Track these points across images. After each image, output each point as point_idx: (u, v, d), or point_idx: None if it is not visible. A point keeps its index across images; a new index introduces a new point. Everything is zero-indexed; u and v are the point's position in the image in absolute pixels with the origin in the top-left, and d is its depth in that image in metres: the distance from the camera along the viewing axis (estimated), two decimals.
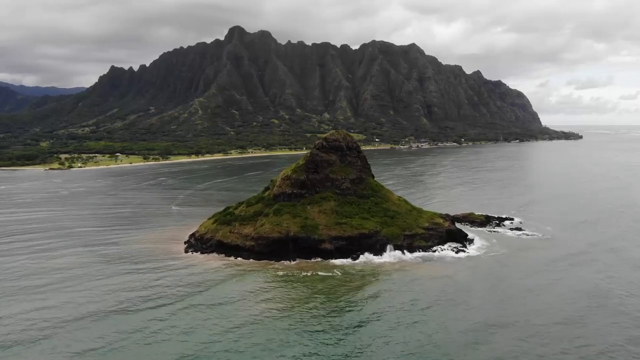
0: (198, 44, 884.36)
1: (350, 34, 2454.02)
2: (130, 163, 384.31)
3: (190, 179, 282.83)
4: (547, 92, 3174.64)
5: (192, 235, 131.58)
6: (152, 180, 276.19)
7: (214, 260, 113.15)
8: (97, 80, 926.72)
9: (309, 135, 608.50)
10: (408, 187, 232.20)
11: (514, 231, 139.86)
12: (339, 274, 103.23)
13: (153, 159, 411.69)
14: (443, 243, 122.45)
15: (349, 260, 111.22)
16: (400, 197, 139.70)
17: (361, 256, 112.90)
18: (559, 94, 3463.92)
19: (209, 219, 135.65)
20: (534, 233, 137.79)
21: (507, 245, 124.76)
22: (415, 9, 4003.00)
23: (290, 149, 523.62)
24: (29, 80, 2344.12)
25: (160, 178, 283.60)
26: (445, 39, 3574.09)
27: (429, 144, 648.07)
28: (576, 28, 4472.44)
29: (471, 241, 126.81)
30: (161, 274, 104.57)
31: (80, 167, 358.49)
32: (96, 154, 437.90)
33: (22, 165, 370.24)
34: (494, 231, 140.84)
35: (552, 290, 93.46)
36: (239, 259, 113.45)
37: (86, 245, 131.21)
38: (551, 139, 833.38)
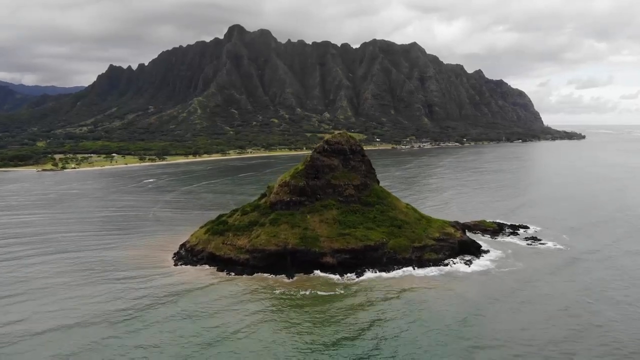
0: (197, 42, 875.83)
1: (350, 33, 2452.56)
2: (126, 164, 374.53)
3: (184, 180, 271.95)
4: (547, 92, 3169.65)
5: (183, 245, 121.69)
6: (145, 182, 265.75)
7: (204, 275, 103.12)
8: (96, 79, 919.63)
9: (309, 135, 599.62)
10: (406, 190, 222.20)
11: (528, 241, 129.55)
12: (341, 292, 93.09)
13: (149, 159, 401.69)
14: (455, 255, 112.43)
15: (353, 276, 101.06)
16: (407, 204, 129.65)
17: (366, 271, 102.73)
18: (559, 93, 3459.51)
19: (201, 227, 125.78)
20: (551, 243, 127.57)
21: (523, 257, 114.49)
22: (417, 7, 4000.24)
23: (290, 149, 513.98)
24: (28, 80, 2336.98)
25: (154, 180, 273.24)
26: (447, 38, 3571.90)
27: (430, 144, 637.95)
28: (578, 27, 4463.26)
29: (485, 252, 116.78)
30: (141, 287, 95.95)
31: (74, 168, 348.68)
32: (92, 154, 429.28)
33: (15, 166, 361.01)
34: (508, 241, 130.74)
35: (571, 313, 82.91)
36: (232, 273, 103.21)
37: (65, 252, 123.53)
38: (554, 139, 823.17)
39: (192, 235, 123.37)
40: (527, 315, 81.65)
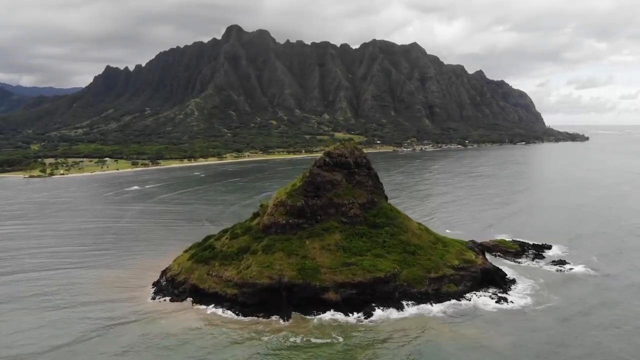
0: (195, 43, 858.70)
1: (350, 33, 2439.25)
2: (117, 169, 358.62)
3: (169, 188, 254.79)
4: (546, 92, 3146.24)
5: (164, 273, 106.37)
6: (127, 189, 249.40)
7: (182, 314, 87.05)
8: (92, 80, 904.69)
9: (308, 137, 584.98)
10: (395, 198, 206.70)
11: (557, 266, 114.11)
12: (340, 340, 76.75)
13: (142, 164, 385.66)
14: (477, 287, 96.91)
15: (360, 315, 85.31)
16: (420, 224, 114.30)
17: (375, 309, 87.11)
18: (559, 93, 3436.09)
19: (186, 251, 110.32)
20: (582, 268, 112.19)
21: (558, 288, 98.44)
22: (417, 7, 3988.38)
23: (289, 152, 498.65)
24: (26, 81, 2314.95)
25: (139, 187, 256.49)
26: (446, 38, 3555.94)
27: (432, 146, 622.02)
28: (578, 27, 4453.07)
29: (512, 283, 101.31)
30: (96, 326, 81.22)
31: (63, 174, 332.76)
32: (84, 159, 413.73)
33: (3, 171, 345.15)
34: (534, 266, 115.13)
35: None
36: (218, 311, 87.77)
37: (29, 271, 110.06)
38: (557, 140, 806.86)
39: (174, 262, 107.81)
40: None
